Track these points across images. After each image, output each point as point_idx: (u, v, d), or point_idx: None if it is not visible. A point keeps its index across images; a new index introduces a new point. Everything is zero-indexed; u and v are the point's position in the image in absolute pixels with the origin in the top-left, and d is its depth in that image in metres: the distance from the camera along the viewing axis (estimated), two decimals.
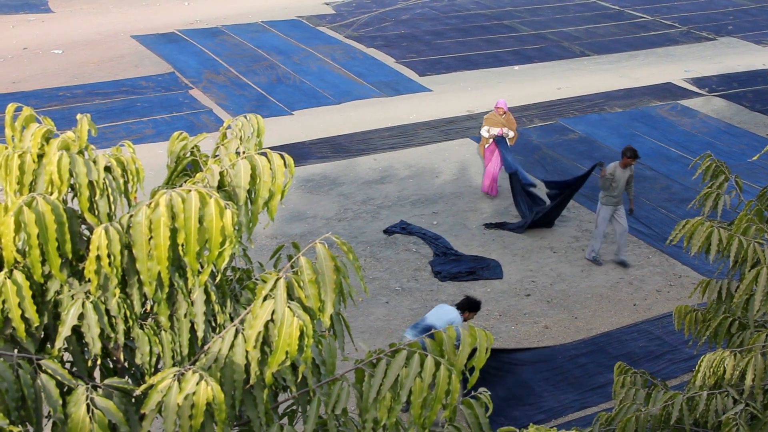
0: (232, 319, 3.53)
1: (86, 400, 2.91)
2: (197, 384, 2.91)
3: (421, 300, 10.40)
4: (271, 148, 3.43)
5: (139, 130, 15.28)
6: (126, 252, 3.06)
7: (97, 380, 3.22)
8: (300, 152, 14.30)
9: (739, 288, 4.91)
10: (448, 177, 13.77)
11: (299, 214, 12.46)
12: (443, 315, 8.32)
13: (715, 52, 20.53)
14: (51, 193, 3.06)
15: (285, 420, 3.82)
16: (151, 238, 3.00)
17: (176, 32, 21.17)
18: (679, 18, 23.44)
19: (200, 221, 3.01)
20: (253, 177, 3.32)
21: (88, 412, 2.90)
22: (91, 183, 3.13)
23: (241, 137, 3.72)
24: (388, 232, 12.00)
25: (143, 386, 2.99)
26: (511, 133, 13.06)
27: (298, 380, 3.33)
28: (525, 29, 22.15)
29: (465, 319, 8.51)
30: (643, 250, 11.66)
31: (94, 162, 3.15)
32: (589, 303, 10.48)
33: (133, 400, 3.13)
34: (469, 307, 8.59)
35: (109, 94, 17.07)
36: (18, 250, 2.98)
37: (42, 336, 3.24)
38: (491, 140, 12.92)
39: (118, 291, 3.10)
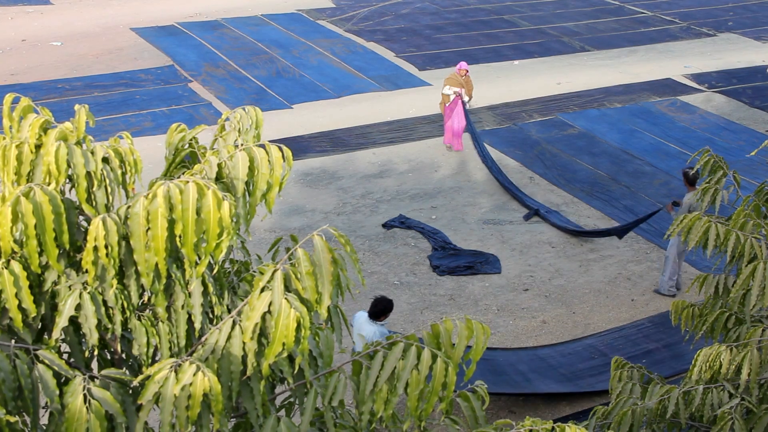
0: (229, 311, 3.54)
1: (83, 390, 2.92)
2: (194, 375, 2.91)
3: (419, 294, 10.41)
4: (271, 142, 3.43)
5: (138, 123, 15.27)
6: (123, 243, 3.06)
7: (95, 371, 3.22)
8: (299, 146, 14.30)
9: (736, 283, 4.92)
10: (447, 171, 13.77)
11: (298, 207, 12.47)
12: (363, 334, 7.69)
13: (715, 48, 20.52)
14: (48, 184, 3.06)
15: (282, 412, 3.83)
16: (148, 229, 3.01)
17: (176, 25, 21.14)
18: (679, 14, 23.42)
19: (198, 212, 3.01)
20: (251, 169, 3.32)
21: (85, 403, 2.91)
22: (88, 174, 3.13)
23: (239, 129, 3.72)
24: (386, 226, 12.01)
25: (140, 377, 2.99)
26: (467, 98, 14.31)
27: (295, 372, 3.34)
28: (525, 24, 22.13)
29: (383, 322, 7.87)
30: (642, 245, 11.67)
31: (92, 153, 3.15)
32: (587, 298, 10.49)
33: (130, 390, 3.14)
34: (384, 311, 7.87)
35: (108, 86, 17.05)
36: (15, 241, 2.98)
37: (39, 326, 3.25)
38: (452, 99, 14.12)
39: (115, 282, 3.10)
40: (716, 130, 15.59)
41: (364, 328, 7.79)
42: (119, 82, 17.28)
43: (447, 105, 14.28)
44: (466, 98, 14.31)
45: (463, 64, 14.55)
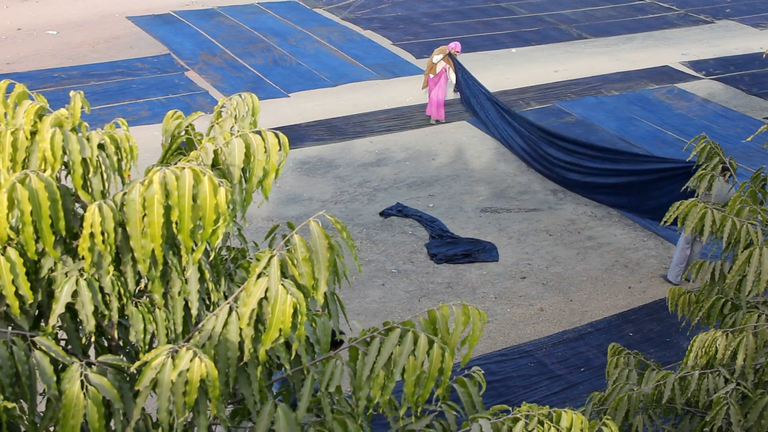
0: (226, 297, 3.54)
1: (80, 376, 2.92)
2: (191, 361, 2.92)
3: (417, 282, 10.43)
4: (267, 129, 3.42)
5: (134, 112, 15.23)
6: (120, 229, 3.06)
7: (92, 358, 3.23)
8: (296, 134, 14.28)
9: (732, 269, 4.93)
10: (444, 160, 13.76)
11: (295, 196, 12.46)
12: None
13: (713, 36, 20.49)
14: (44, 171, 3.05)
15: (279, 398, 3.84)
16: (144, 215, 3.00)
17: (172, 13, 21.06)
18: (677, 1, 23.37)
19: (194, 199, 3.01)
20: (248, 155, 3.31)
21: (83, 389, 2.91)
22: (84, 160, 3.12)
23: (235, 116, 3.72)
24: (384, 214, 12.01)
25: (137, 363, 3.00)
26: (453, 75, 14.94)
27: (292, 358, 3.35)
28: (522, 12, 22.07)
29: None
30: (639, 233, 11.69)
31: (88, 139, 3.15)
32: (584, 286, 10.51)
33: (127, 377, 3.15)
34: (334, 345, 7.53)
35: (104, 75, 17.00)
36: (11, 227, 2.98)
37: (36, 313, 3.25)
38: (438, 71, 14.59)
39: (111, 268, 3.10)
40: (714, 118, 15.58)
41: None
42: (116, 71, 17.22)
43: (432, 77, 14.68)
44: (452, 76, 14.89)
45: (458, 45, 14.91)
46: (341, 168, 13.40)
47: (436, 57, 14.63)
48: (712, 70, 17.97)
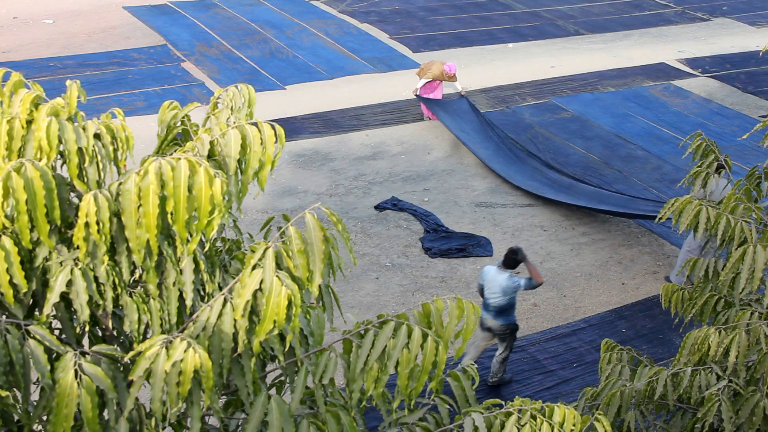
0: (220, 289, 3.54)
1: (74, 366, 2.92)
2: (185, 351, 2.92)
3: (411, 276, 10.44)
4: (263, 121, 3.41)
5: (130, 102, 15.20)
6: (115, 219, 3.05)
7: (86, 347, 3.23)
8: (292, 127, 14.26)
9: (726, 267, 4.95)
10: (440, 154, 13.76)
11: (291, 189, 12.45)
12: (497, 285, 8.04)
13: (709, 33, 20.51)
14: (40, 160, 3.05)
15: (273, 390, 3.85)
16: (140, 205, 3.00)
17: (169, 4, 20.98)
18: None
19: (189, 189, 3.01)
20: (243, 147, 3.31)
21: (76, 378, 2.91)
22: (80, 150, 3.12)
23: (232, 107, 3.71)
24: (379, 208, 12.01)
25: (131, 353, 3.00)
26: (460, 86, 14.63)
27: (286, 350, 3.35)
28: (520, 7, 22.05)
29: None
30: (633, 229, 11.71)
31: (84, 129, 3.14)
32: (578, 282, 10.53)
33: (121, 367, 3.15)
34: (518, 260, 8.16)
35: (100, 65, 16.94)
36: (6, 216, 2.97)
37: (30, 302, 3.25)
38: (430, 82, 14.47)
39: (106, 258, 3.10)
40: (709, 115, 15.61)
41: (498, 279, 8.10)
42: (111, 61, 17.17)
43: (423, 86, 14.56)
44: (459, 87, 14.61)
45: (453, 68, 14.37)
46: (337, 161, 13.39)
47: (422, 81, 14.47)
48: (709, 67, 17.99)
